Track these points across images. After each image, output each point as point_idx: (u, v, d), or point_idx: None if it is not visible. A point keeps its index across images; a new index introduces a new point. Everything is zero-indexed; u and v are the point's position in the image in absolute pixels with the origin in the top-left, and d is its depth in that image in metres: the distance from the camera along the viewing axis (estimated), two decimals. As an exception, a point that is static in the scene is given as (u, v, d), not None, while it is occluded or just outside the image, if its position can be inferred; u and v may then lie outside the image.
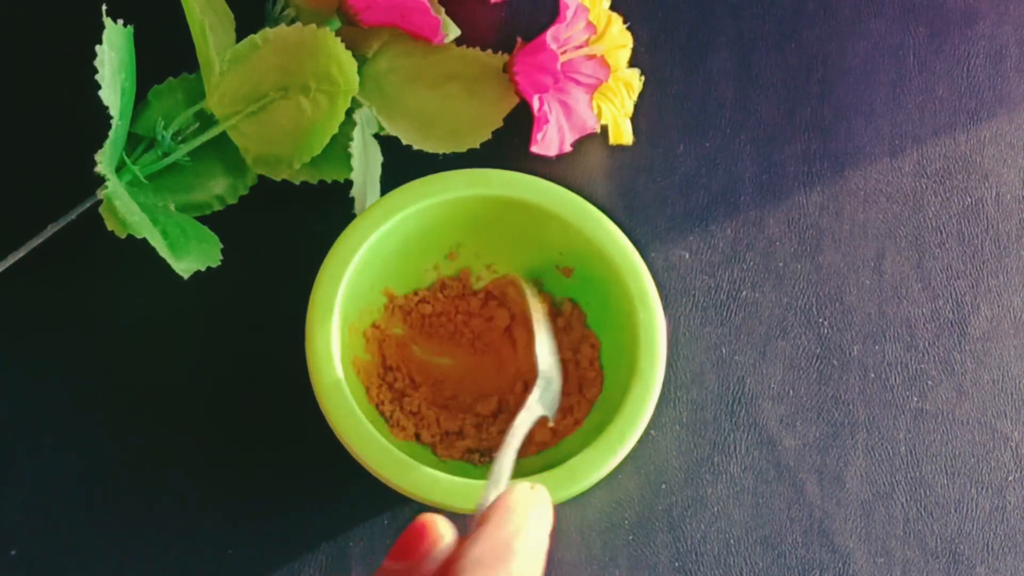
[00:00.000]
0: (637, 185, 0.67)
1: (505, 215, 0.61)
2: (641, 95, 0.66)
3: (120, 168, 0.61)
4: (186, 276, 0.59)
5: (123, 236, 0.60)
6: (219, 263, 0.61)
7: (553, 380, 0.58)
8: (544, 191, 0.61)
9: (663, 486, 0.61)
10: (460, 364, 0.62)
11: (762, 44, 0.70)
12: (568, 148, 0.65)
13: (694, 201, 0.66)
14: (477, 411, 0.61)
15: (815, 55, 0.70)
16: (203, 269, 0.60)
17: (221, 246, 0.61)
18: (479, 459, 0.60)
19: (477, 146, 0.64)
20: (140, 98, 0.63)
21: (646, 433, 0.58)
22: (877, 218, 0.66)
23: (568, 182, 0.62)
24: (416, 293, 0.63)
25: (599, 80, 0.64)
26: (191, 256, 0.59)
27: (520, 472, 0.58)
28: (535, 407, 0.56)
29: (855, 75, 0.69)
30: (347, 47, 0.61)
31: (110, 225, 0.60)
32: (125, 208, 0.58)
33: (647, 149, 0.67)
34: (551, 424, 0.59)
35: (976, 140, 0.68)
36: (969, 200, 0.67)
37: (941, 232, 0.66)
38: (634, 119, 0.66)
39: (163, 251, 0.58)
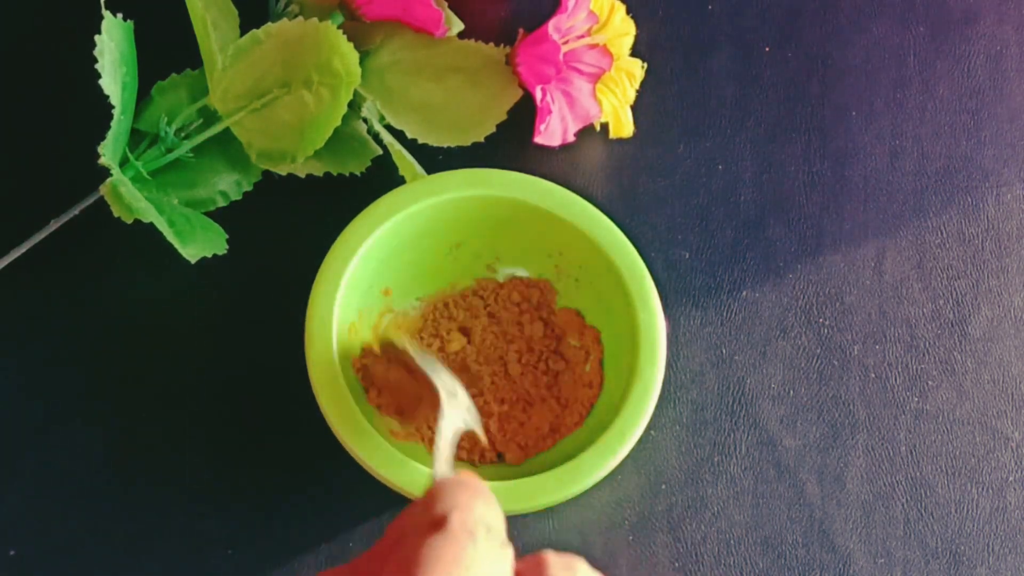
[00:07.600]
0: (637, 185, 0.66)
1: (505, 215, 0.61)
2: (641, 94, 0.66)
3: (123, 164, 0.61)
4: (193, 261, 0.59)
5: (130, 221, 0.60)
6: (225, 251, 0.61)
7: (456, 391, 0.55)
8: (544, 191, 0.61)
9: (663, 486, 0.61)
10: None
11: (762, 44, 0.70)
12: (571, 138, 0.65)
13: (694, 201, 0.66)
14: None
15: (815, 55, 0.70)
16: (209, 256, 0.60)
17: (227, 236, 0.61)
18: (478, 459, 0.60)
19: (482, 139, 0.64)
20: (143, 94, 0.63)
21: (646, 433, 0.58)
22: (877, 218, 0.66)
23: (568, 182, 0.62)
24: (416, 293, 0.63)
25: (602, 69, 0.64)
26: (197, 243, 0.59)
27: (521, 472, 0.58)
28: (451, 415, 0.54)
29: (855, 75, 0.69)
30: (349, 41, 0.61)
31: (116, 211, 0.59)
32: (130, 195, 0.58)
33: (647, 149, 0.67)
34: (482, 440, 0.58)
35: (976, 140, 0.68)
36: (969, 200, 0.67)
37: (941, 232, 0.66)
38: (635, 119, 0.66)
39: (169, 236, 0.58)
